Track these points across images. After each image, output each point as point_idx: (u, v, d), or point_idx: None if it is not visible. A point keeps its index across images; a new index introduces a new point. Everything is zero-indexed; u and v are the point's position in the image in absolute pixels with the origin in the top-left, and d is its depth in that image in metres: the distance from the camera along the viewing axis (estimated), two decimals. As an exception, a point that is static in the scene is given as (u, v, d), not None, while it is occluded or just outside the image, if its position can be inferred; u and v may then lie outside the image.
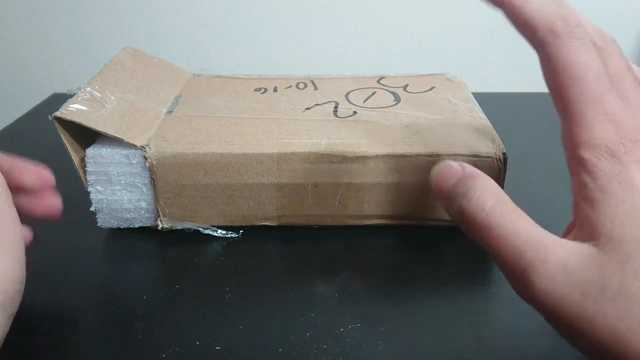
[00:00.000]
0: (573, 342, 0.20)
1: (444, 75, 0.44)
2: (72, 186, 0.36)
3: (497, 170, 0.33)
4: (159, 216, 0.34)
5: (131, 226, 0.35)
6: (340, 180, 0.33)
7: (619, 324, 0.18)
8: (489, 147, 0.33)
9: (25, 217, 0.25)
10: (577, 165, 0.21)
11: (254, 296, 0.30)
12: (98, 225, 0.35)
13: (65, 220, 0.37)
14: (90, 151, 0.32)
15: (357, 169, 0.33)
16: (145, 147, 0.32)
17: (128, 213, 0.34)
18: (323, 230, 0.35)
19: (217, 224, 0.35)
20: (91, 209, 0.34)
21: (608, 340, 0.18)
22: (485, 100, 0.41)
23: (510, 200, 0.21)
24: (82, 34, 0.63)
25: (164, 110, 0.37)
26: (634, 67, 0.23)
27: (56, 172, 0.43)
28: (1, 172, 0.23)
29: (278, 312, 0.29)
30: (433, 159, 0.32)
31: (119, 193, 0.33)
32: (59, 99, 0.33)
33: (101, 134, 0.32)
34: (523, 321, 0.28)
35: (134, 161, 0.32)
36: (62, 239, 0.35)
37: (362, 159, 0.32)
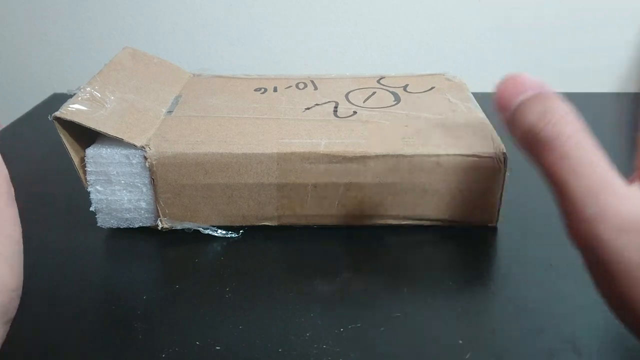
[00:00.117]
0: (626, 302, 0.17)
1: (444, 75, 0.44)
2: (72, 186, 0.36)
3: (497, 170, 0.33)
4: (159, 216, 0.34)
5: (131, 226, 0.35)
6: (340, 180, 0.33)
7: None
8: (489, 147, 0.33)
9: None
10: None
11: (254, 296, 0.30)
12: (98, 225, 0.35)
13: (65, 220, 0.37)
14: (90, 151, 0.32)
15: (357, 169, 0.33)
16: (145, 147, 0.32)
17: (128, 213, 0.34)
18: (323, 230, 0.35)
19: (217, 224, 0.35)
20: (91, 209, 0.34)
21: None
22: (485, 100, 0.41)
23: (589, 134, 0.19)
24: (82, 34, 0.63)
25: (164, 110, 0.37)
26: None
27: (56, 172, 0.44)
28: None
29: (278, 312, 0.28)
30: (433, 159, 0.32)
31: (119, 193, 0.33)
32: (59, 99, 0.33)
33: (101, 134, 0.32)
34: (522, 321, 0.28)
35: (134, 161, 0.32)
36: (62, 239, 0.35)
37: (362, 159, 0.32)
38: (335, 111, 0.37)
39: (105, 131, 0.32)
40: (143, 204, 0.34)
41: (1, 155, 0.22)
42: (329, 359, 0.25)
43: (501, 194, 0.34)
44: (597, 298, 0.29)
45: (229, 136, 0.34)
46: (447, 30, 0.61)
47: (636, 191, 0.18)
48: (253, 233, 0.35)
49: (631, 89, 0.63)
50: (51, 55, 0.64)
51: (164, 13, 0.61)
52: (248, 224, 0.35)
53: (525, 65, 0.62)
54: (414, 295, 0.30)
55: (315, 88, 0.41)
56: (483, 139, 0.34)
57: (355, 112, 0.37)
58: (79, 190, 0.34)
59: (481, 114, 0.37)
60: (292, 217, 0.34)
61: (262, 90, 0.41)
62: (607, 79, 0.63)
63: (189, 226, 0.34)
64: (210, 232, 0.35)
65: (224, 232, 0.35)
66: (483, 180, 0.33)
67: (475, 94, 0.41)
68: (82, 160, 0.33)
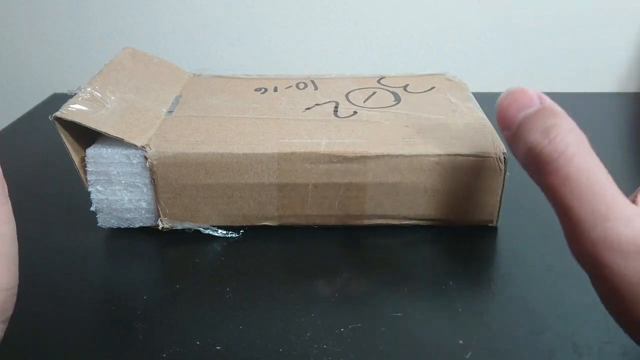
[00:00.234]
0: (630, 317, 0.18)
1: (444, 75, 0.44)
2: (72, 186, 0.36)
3: (497, 170, 0.33)
4: (159, 216, 0.34)
5: (131, 226, 0.35)
6: (340, 180, 0.33)
7: None
8: (489, 147, 0.33)
9: None
10: None
11: (254, 296, 0.30)
12: (98, 225, 0.35)
13: (65, 220, 0.37)
14: (91, 151, 0.32)
15: (357, 169, 0.33)
16: (145, 147, 0.32)
17: (128, 213, 0.34)
18: (323, 230, 0.35)
19: (218, 224, 0.35)
20: (91, 209, 0.34)
21: None
22: (485, 100, 0.41)
23: (592, 151, 0.18)
24: (82, 34, 0.63)
25: (164, 110, 0.37)
26: None
27: (56, 172, 0.44)
28: None
29: (278, 312, 0.29)
30: (433, 159, 0.32)
31: (119, 193, 0.33)
32: (59, 99, 0.33)
33: (101, 134, 0.32)
34: (522, 321, 0.28)
35: (134, 161, 0.32)
36: (62, 239, 0.35)
37: (362, 159, 0.32)
38: (335, 111, 0.37)
39: (105, 131, 0.32)
40: (143, 204, 0.34)
41: None
42: (329, 359, 0.25)
43: (501, 194, 0.34)
44: (597, 298, 0.29)
45: (229, 136, 0.34)
46: (447, 30, 0.61)
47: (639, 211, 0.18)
48: (253, 233, 0.35)
49: (631, 89, 0.63)
50: (51, 55, 0.64)
51: (164, 13, 0.61)
52: (248, 224, 0.35)
53: (525, 65, 0.62)
54: (414, 295, 0.30)
55: (316, 88, 0.41)
56: (483, 139, 0.34)
57: (355, 112, 0.37)
58: (79, 190, 0.34)
59: (481, 114, 0.37)
60: (292, 217, 0.34)
61: (262, 90, 0.41)
62: (607, 79, 0.63)
63: (190, 226, 0.34)
64: (211, 232, 0.35)
65: (224, 232, 0.35)
66: (483, 180, 0.33)
67: (475, 94, 0.41)
68: (83, 160, 0.33)
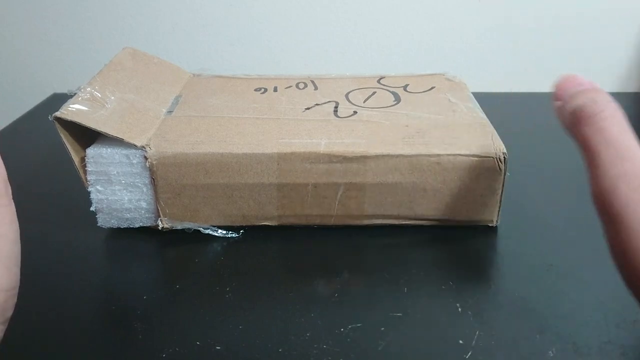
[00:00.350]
0: (626, 251, 0.20)
1: (444, 75, 0.44)
2: (72, 186, 0.36)
3: (497, 170, 0.33)
4: (159, 216, 0.34)
5: (131, 226, 0.35)
6: (340, 180, 0.33)
7: None
8: (489, 147, 0.33)
9: None
10: None
11: (254, 296, 0.30)
12: (98, 225, 0.35)
13: (65, 220, 0.37)
14: (91, 151, 0.32)
15: (357, 169, 0.33)
16: (145, 147, 0.32)
17: (128, 213, 0.34)
18: (323, 230, 0.35)
19: (217, 224, 0.35)
20: (91, 209, 0.34)
21: None
22: (485, 100, 0.41)
23: (625, 121, 0.21)
24: (82, 34, 0.63)
25: (164, 110, 0.37)
26: None
27: (56, 172, 0.44)
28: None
29: (278, 312, 0.29)
30: (433, 159, 0.32)
31: (119, 193, 0.33)
32: (59, 99, 0.33)
33: (101, 134, 0.32)
34: (522, 321, 0.28)
35: (134, 161, 0.32)
36: (62, 239, 0.35)
37: (362, 159, 0.32)
38: (335, 111, 0.37)
39: (105, 131, 0.32)
40: (143, 204, 0.34)
41: (0, 155, 0.22)
42: (329, 359, 0.25)
43: (501, 194, 0.34)
44: (597, 298, 0.29)
45: (229, 136, 0.34)
46: (447, 30, 0.61)
47: None
48: (253, 233, 0.35)
49: (631, 89, 0.63)
50: (51, 55, 0.64)
51: (164, 13, 0.61)
52: (248, 224, 0.35)
53: (525, 65, 0.62)
54: (414, 295, 0.30)
55: (316, 88, 0.41)
56: (483, 139, 0.34)
57: (355, 112, 0.37)
58: (79, 190, 0.34)
59: (481, 114, 0.37)
60: (292, 217, 0.34)
61: (262, 90, 0.41)
62: (607, 79, 0.63)
63: (189, 226, 0.34)
64: (211, 232, 0.35)
65: (224, 232, 0.35)
66: (483, 180, 0.33)
67: (475, 94, 0.41)
68: (83, 160, 0.33)
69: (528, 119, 0.53)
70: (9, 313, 0.21)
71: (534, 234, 0.35)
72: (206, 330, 0.27)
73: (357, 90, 0.41)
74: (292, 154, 0.32)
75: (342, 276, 0.31)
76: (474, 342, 0.26)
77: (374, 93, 0.40)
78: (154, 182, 0.33)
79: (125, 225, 0.35)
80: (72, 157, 0.32)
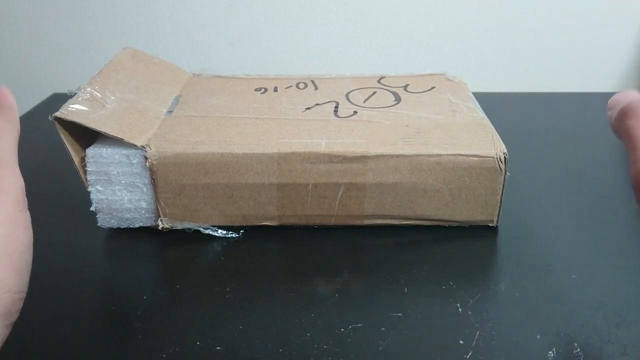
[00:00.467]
0: None
1: (444, 75, 0.44)
2: (72, 186, 0.36)
3: (497, 170, 0.33)
4: (159, 216, 0.34)
5: (131, 226, 0.35)
6: (341, 180, 0.33)
7: None
8: (489, 147, 0.33)
9: None
10: None
11: (254, 296, 0.30)
12: (98, 225, 0.35)
13: (65, 220, 0.37)
14: (91, 151, 0.32)
15: (357, 169, 0.33)
16: (145, 147, 0.32)
17: (128, 213, 0.34)
18: (323, 230, 0.35)
19: (218, 224, 0.35)
20: (91, 209, 0.34)
21: None
22: (485, 100, 0.41)
23: None
24: (82, 34, 0.63)
25: (164, 110, 0.37)
26: None
27: (56, 172, 0.44)
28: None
29: (278, 312, 0.28)
30: (433, 159, 0.32)
31: (119, 193, 0.33)
32: (59, 99, 0.33)
33: (101, 134, 0.32)
34: (522, 321, 0.28)
35: (134, 161, 0.32)
36: (62, 239, 0.35)
37: (362, 158, 0.32)
38: (335, 111, 0.37)
39: (105, 131, 0.32)
40: (143, 204, 0.34)
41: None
42: (329, 359, 0.25)
43: (501, 194, 0.34)
44: (597, 298, 0.29)
45: (229, 136, 0.34)
46: (447, 30, 0.61)
47: None
48: (253, 233, 0.35)
49: (631, 89, 0.63)
50: (51, 55, 0.64)
51: (164, 13, 0.61)
52: (248, 224, 0.35)
53: (525, 65, 0.62)
54: (414, 295, 0.30)
55: (316, 88, 0.41)
56: (483, 139, 0.34)
57: (355, 112, 0.37)
58: (79, 190, 0.34)
59: (481, 114, 0.37)
60: (292, 217, 0.34)
61: (262, 90, 0.41)
62: (607, 79, 0.63)
63: (189, 226, 0.34)
64: (211, 232, 0.35)
65: (224, 232, 0.35)
66: (483, 180, 0.33)
67: (475, 94, 0.41)
68: (83, 160, 0.33)
69: (528, 119, 0.53)
70: (15, 317, 0.21)
71: (534, 234, 0.35)
72: (206, 330, 0.27)
73: (357, 90, 0.41)
74: (292, 154, 0.32)
75: (342, 276, 0.31)
76: (474, 342, 0.26)
77: (374, 93, 0.40)
78: (154, 182, 0.33)
79: (125, 225, 0.35)
80: (72, 157, 0.32)
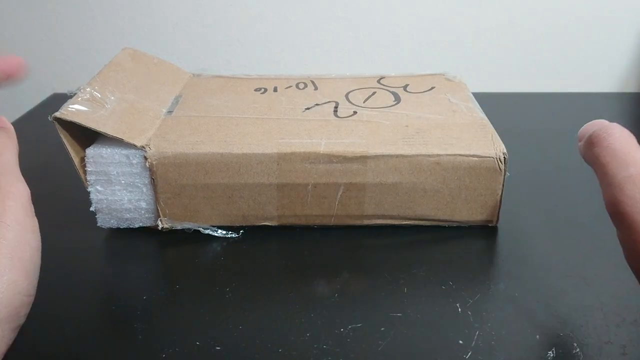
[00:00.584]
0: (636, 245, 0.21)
1: (444, 75, 0.44)
2: (72, 186, 0.36)
3: (497, 170, 0.33)
4: (159, 216, 0.34)
5: (131, 226, 0.35)
6: (340, 180, 0.33)
7: None
8: (489, 147, 0.33)
9: None
10: None
11: (254, 296, 0.30)
12: (98, 225, 0.35)
13: (65, 220, 0.37)
14: (91, 151, 0.32)
15: (356, 168, 0.33)
16: (145, 147, 0.32)
17: (128, 213, 0.34)
18: (323, 230, 0.35)
19: (217, 224, 0.35)
20: (91, 209, 0.34)
21: None
22: (485, 100, 0.41)
23: (634, 140, 0.23)
24: (82, 34, 0.63)
25: (164, 110, 0.37)
26: None
27: (56, 172, 0.43)
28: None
29: (278, 312, 0.28)
30: (433, 159, 0.32)
31: (119, 193, 0.33)
32: (59, 99, 0.33)
33: (101, 134, 0.32)
34: (522, 321, 0.28)
35: (134, 161, 0.32)
36: (62, 239, 0.35)
37: (362, 158, 0.32)
38: (335, 111, 0.37)
39: (105, 131, 0.32)
40: (143, 204, 0.34)
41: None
42: (329, 359, 0.25)
43: (501, 194, 0.34)
44: (597, 298, 0.29)
45: (229, 136, 0.34)
46: (447, 30, 0.61)
47: None
48: (253, 233, 0.35)
49: (631, 89, 0.63)
50: (51, 55, 0.64)
51: (164, 13, 0.61)
52: (248, 224, 0.35)
53: (525, 65, 0.62)
54: (414, 295, 0.30)
55: (316, 88, 0.41)
56: (483, 139, 0.34)
57: (355, 112, 0.37)
58: (79, 190, 0.34)
59: (481, 114, 0.37)
60: (292, 217, 0.34)
61: (262, 90, 0.41)
62: (607, 79, 0.63)
63: (189, 226, 0.34)
64: (210, 232, 0.35)
65: (224, 232, 0.35)
66: (483, 180, 0.33)
67: (475, 94, 0.41)
68: (82, 160, 0.33)
69: (528, 119, 0.53)
70: (22, 320, 0.21)
71: (534, 234, 0.35)
72: (206, 330, 0.27)
73: (357, 90, 0.41)
74: (292, 154, 0.32)
75: (342, 276, 0.31)
76: (474, 342, 0.26)
77: (374, 93, 0.40)
78: (153, 182, 0.33)
79: (125, 226, 0.35)
80: (72, 157, 0.32)
